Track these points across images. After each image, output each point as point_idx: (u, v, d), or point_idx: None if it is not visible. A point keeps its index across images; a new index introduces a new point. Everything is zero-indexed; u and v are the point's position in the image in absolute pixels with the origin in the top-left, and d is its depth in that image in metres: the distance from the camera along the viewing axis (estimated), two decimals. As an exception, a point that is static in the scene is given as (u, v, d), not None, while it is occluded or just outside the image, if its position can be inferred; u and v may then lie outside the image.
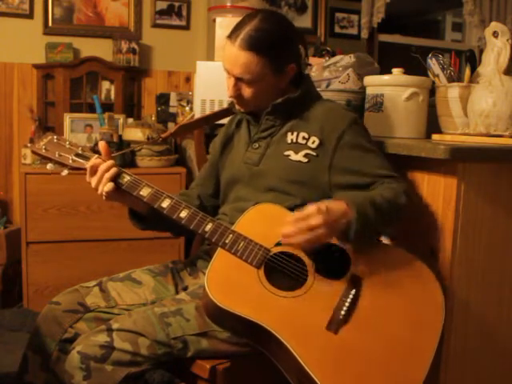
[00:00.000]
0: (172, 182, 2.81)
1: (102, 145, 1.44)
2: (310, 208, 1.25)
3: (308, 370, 1.20)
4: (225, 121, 1.71)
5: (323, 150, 1.43)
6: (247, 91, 1.44)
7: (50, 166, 1.44)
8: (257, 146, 1.51)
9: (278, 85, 1.46)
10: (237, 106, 1.51)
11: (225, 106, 1.80)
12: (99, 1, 3.42)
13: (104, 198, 1.41)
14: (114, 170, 1.39)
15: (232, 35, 1.41)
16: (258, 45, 1.39)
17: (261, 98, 1.46)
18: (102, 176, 1.39)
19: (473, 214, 1.47)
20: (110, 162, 1.41)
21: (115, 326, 1.30)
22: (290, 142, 1.46)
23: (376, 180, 1.41)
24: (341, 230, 1.27)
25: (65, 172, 1.44)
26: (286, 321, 1.26)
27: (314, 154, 1.44)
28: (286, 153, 1.46)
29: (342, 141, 1.42)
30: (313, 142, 1.44)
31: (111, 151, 1.46)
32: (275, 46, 1.41)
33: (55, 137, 1.46)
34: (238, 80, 1.43)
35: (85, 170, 1.42)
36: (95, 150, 1.47)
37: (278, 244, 1.35)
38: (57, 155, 1.43)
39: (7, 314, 2.68)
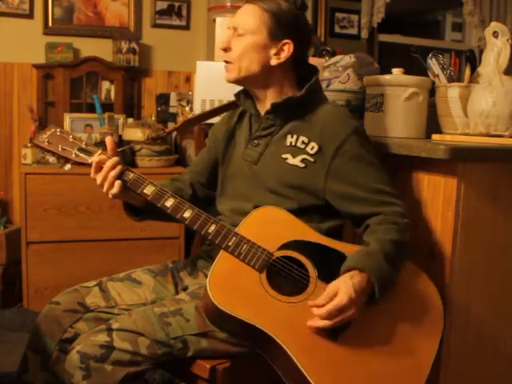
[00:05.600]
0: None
1: (109, 140, 1.43)
2: (341, 300, 1.23)
3: (306, 376, 1.20)
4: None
5: (321, 156, 1.41)
6: (236, 44, 1.44)
7: (52, 159, 1.42)
8: (256, 143, 1.50)
9: (267, 55, 1.43)
10: (226, 75, 1.48)
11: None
12: (99, 1, 3.42)
13: (110, 196, 1.39)
14: (119, 168, 1.38)
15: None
16: (267, 4, 1.41)
17: (246, 59, 1.43)
18: (107, 174, 1.37)
19: (473, 214, 1.47)
20: (115, 158, 1.39)
21: (115, 325, 1.30)
22: (288, 144, 1.45)
23: (373, 197, 1.39)
24: (365, 299, 1.28)
25: (67, 166, 1.42)
26: (287, 326, 1.26)
27: (312, 159, 1.42)
28: (284, 155, 1.45)
29: (342, 150, 1.40)
30: (312, 148, 1.42)
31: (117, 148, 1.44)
32: (281, 12, 1.42)
33: (58, 129, 1.43)
34: (234, 31, 1.44)
35: (87, 165, 1.40)
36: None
37: (282, 247, 1.35)
38: (60, 149, 1.40)
39: (7, 314, 2.68)
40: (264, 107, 1.49)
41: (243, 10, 1.46)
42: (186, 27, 3.63)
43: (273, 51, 1.43)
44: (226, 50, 1.46)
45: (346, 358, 1.25)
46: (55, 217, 2.68)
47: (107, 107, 3.20)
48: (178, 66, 3.61)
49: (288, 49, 1.43)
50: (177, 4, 3.59)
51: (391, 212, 1.38)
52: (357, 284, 1.25)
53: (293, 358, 1.22)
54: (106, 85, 3.33)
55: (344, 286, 1.25)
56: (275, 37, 1.42)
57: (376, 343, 1.28)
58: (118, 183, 1.37)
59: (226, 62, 1.47)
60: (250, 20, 1.42)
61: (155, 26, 3.57)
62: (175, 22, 3.60)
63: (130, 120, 3.21)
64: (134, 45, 3.39)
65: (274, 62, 1.44)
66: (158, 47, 3.58)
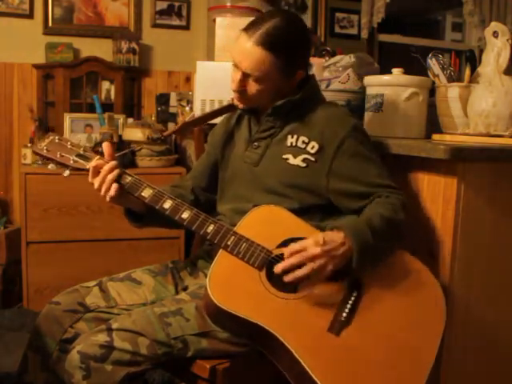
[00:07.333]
0: (172, 181, 2.81)
1: (105, 145, 1.44)
2: (307, 240, 1.26)
3: (309, 371, 1.20)
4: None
5: (322, 155, 1.42)
6: (252, 88, 1.42)
7: (51, 166, 1.44)
8: (256, 145, 1.50)
9: (283, 87, 1.45)
10: (235, 101, 1.49)
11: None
12: (99, 1, 3.42)
13: (108, 199, 1.40)
14: (116, 172, 1.39)
15: (250, 29, 1.38)
16: (275, 44, 1.37)
17: (264, 98, 1.45)
18: (104, 177, 1.39)
19: (473, 214, 1.47)
20: (113, 162, 1.40)
21: (115, 325, 1.30)
22: (289, 145, 1.46)
23: (374, 190, 1.40)
24: (342, 259, 1.27)
25: (66, 173, 1.44)
26: (288, 322, 1.26)
27: (313, 159, 1.43)
28: (285, 156, 1.45)
29: (342, 148, 1.41)
30: (312, 147, 1.43)
31: (114, 152, 1.46)
32: (291, 49, 1.40)
33: (57, 137, 1.46)
34: (245, 75, 1.41)
35: (86, 170, 1.42)
36: (96, 150, 1.47)
37: (281, 245, 1.35)
38: (58, 156, 1.43)
39: (7, 314, 2.68)
40: (264, 111, 1.49)
41: (252, 54, 1.37)
42: (186, 27, 3.63)
43: (288, 82, 1.45)
44: (239, 92, 1.44)
45: (348, 352, 1.25)
46: (55, 217, 2.68)
47: (107, 107, 3.19)
48: (178, 66, 3.61)
49: (300, 75, 1.46)
50: (177, 4, 3.59)
51: (391, 196, 1.39)
52: (328, 235, 1.27)
53: (294, 353, 1.22)
54: (106, 85, 3.33)
55: (312, 236, 1.28)
56: (289, 74, 1.43)
57: (378, 338, 1.28)
58: (114, 186, 1.38)
59: (239, 95, 1.46)
60: (261, 67, 1.38)
61: (155, 26, 3.56)
62: (175, 21, 3.60)
63: (130, 120, 3.21)
64: (134, 45, 3.39)
65: (288, 88, 1.46)
66: (158, 47, 3.58)
